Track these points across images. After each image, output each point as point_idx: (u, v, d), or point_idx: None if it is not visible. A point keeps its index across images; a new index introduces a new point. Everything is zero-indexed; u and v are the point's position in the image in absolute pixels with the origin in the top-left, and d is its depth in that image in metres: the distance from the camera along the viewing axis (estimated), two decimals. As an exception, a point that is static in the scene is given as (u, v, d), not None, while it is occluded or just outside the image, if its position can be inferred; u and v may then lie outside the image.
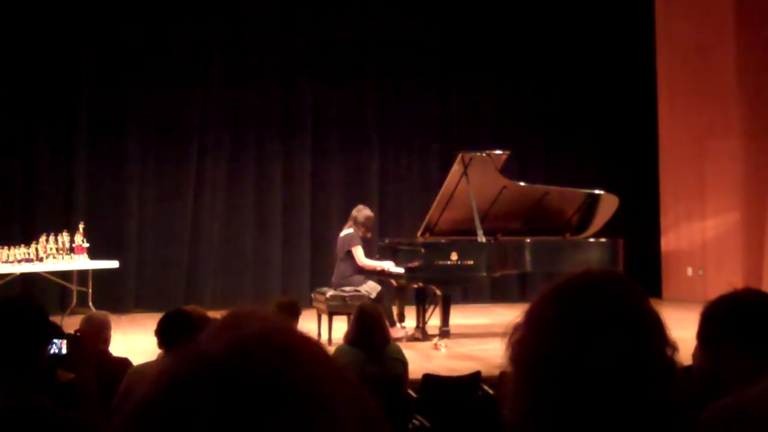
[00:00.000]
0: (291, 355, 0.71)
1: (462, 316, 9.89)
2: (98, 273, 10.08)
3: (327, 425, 0.67)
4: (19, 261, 9.41)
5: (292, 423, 0.66)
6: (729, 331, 1.96)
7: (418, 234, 9.31)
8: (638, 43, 13.02)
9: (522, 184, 9.11)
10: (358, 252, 8.73)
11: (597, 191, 9.38)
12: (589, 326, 1.23)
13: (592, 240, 9.31)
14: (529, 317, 1.29)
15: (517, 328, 1.29)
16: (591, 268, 1.35)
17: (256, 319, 0.78)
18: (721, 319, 1.99)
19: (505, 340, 1.29)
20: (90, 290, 9.94)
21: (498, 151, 8.91)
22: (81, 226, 9.87)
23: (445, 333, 8.40)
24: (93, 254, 9.93)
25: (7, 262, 9.36)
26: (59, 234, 9.71)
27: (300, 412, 0.66)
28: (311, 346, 0.74)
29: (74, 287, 10.05)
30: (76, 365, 2.98)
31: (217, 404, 0.66)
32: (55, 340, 2.89)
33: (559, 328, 1.25)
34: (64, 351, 2.94)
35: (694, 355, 2.00)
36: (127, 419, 0.69)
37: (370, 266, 8.76)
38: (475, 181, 8.67)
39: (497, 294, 12.28)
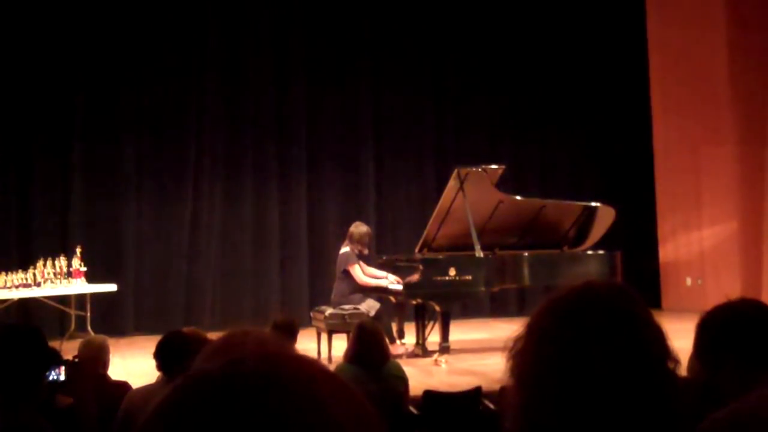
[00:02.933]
0: (290, 370, 0.71)
1: (462, 332, 9.87)
2: (96, 297, 10.04)
3: None
4: (17, 286, 9.39)
5: None
6: (726, 342, 1.95)
7: (416, 250, 9.31)
8: (630, 52, 13.07)
9: (518, 198, 9.12)
10: (356, 271, 8.72)
11: (593, 203, 9.40)
12: (590, 338, 1.23)
13: (590, 252, 9.31)
14: (530, 329, 1.29)
15: (518, 339, 1.29)
16: (593, 279, 1.34)
17: (253, 340, 0.78)
18: (717, 330, 1.99)
19: (506, 352, 1.29)
20: (88, 314, 9.90)
21: (494, 166, 8.91)
22: (78, 250, 9.85)
23: (445, 349, 8.38)
24: (91, 278, 9.90)
25: (4, 287, 9.34)
26: (56, 258, 9.69)
27: (301, 425, 0.66)
28: (310, 362, 0.74)
29: (72, 311, 10.01)
30: (75, 390, 2.97)
31: (217, 420, 0.66)
32: (54, 367, 2.89)
33: (560, 339, 1.24)
34: (62, 377, 2.93)
35: (689, 367, 2.00)
36: None
37: (369, 283, 8.74)
38: (471, 196, 8.68)
39: (496, 309, 12.29)
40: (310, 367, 0.72)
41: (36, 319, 10.02)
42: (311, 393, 0.68)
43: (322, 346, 8.49)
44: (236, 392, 0.67)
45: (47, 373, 2.77)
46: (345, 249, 8.88)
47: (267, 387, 0.67)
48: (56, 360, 2.91)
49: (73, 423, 2.90)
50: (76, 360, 3.03)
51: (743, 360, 1.92)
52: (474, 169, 8.70)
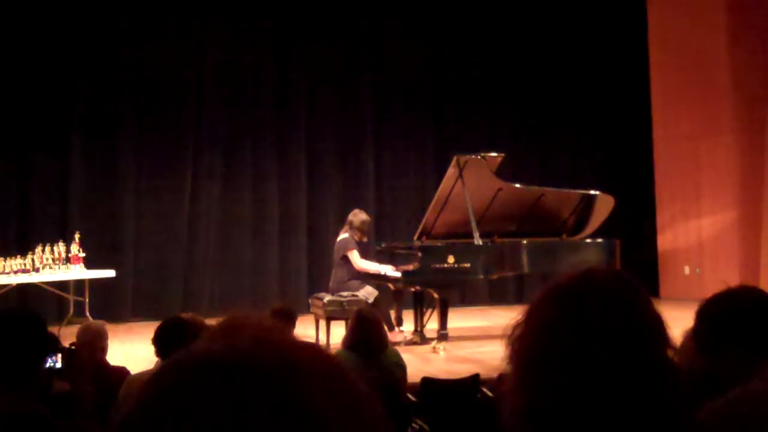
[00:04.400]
0: (289, 355, 0.70)
1: (460, 319, 9.88)
2: (95, 282, 10.05)
3: (324, 426, 0.66)
4: (16, 272, 9.38)
5: (287, 421, 0.65)
6: (725, 330, 1.95)
7: (415, 237, 9.30)
8: (631, 43, 13.05)
9: (517, 185, 9.11)
10: (354, 256, 8.71)
11: (592, 192, 9.39)
12: (590, 326, 1.22)
13: (588, 240, 9.31)
14: (530, 315, 1.28)
15: (516, 327, 1.28)
16: (593, 267, 1.34)
17: (252, 325, 0.78)
18: (717, 317, 1.98)
19: (505, 339, 1.28)
20: (87, 300, 9.91)
21: (493, 154, 8.90)
22: (77, 236, 9.84)
23: (443, 336, 8.39)
24: (89, 264, 9.90)
25: (3, 273, 9.33)
26: (55, 244, 9.68)
27: (296, 411, 0.66)
28: (309, 349, 0.73)
29: (71, 297, 10.02)
30: (73, 376, 2.96)
31: (209, 402, 0.65)
32: (52, 353, 2.88)
33: (559, 326, 1.24)
34: (59, 365, 2.93)
35: (682, 351, 1.99)
36: (121, 421, 0.69)
37: (367, 269, 8.73)
38: (470, 183, 8.67)
39: (495, 296, 12.30)
40: (306, 354, 0.71)
41: (34, 304, 10.01)
42: (297, 382, 0.67)
43: (321, 333, 8.50)
44: (217, 376, 0.66)
45: (46, 359, 2.76)
46: (344, 235, 8.88)
47: (250, 373, 0.66)
48: (55, 346, 2.90)
49: (70, 409, 2.90)
50: (74, 346, 3.02)
51: (743, 348, 1.92)
52: (473, 156, 8.69)
